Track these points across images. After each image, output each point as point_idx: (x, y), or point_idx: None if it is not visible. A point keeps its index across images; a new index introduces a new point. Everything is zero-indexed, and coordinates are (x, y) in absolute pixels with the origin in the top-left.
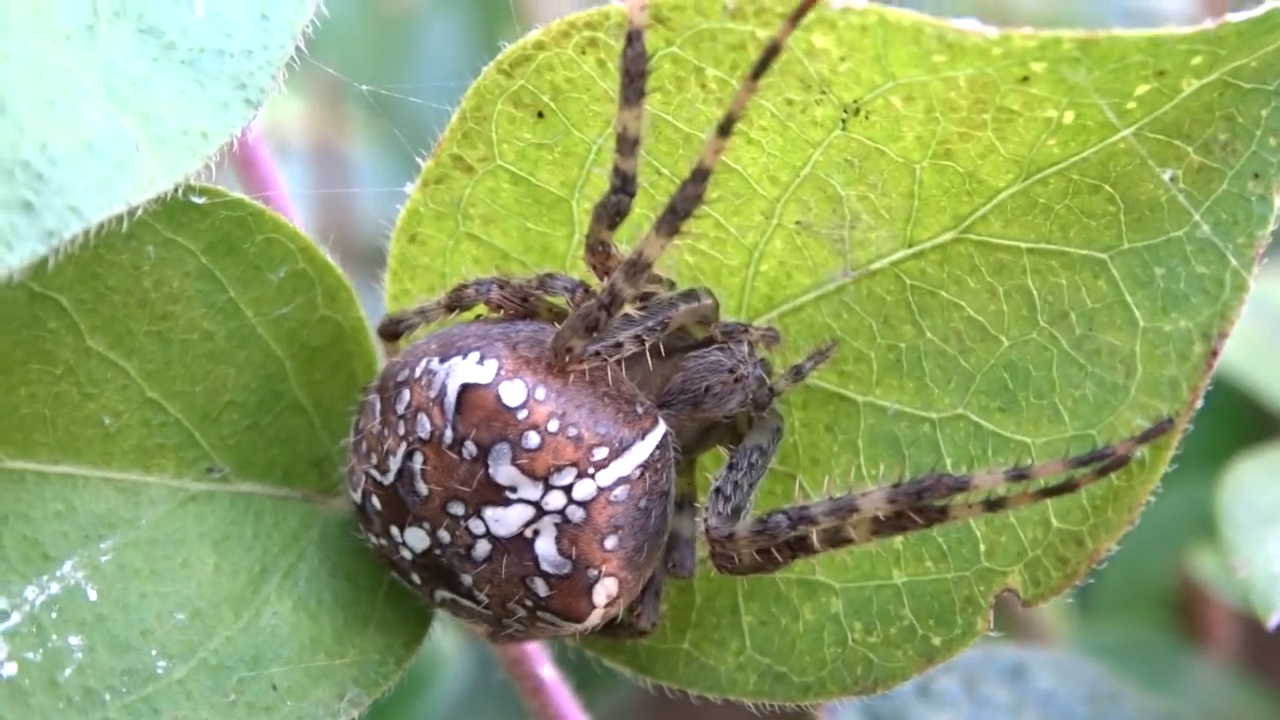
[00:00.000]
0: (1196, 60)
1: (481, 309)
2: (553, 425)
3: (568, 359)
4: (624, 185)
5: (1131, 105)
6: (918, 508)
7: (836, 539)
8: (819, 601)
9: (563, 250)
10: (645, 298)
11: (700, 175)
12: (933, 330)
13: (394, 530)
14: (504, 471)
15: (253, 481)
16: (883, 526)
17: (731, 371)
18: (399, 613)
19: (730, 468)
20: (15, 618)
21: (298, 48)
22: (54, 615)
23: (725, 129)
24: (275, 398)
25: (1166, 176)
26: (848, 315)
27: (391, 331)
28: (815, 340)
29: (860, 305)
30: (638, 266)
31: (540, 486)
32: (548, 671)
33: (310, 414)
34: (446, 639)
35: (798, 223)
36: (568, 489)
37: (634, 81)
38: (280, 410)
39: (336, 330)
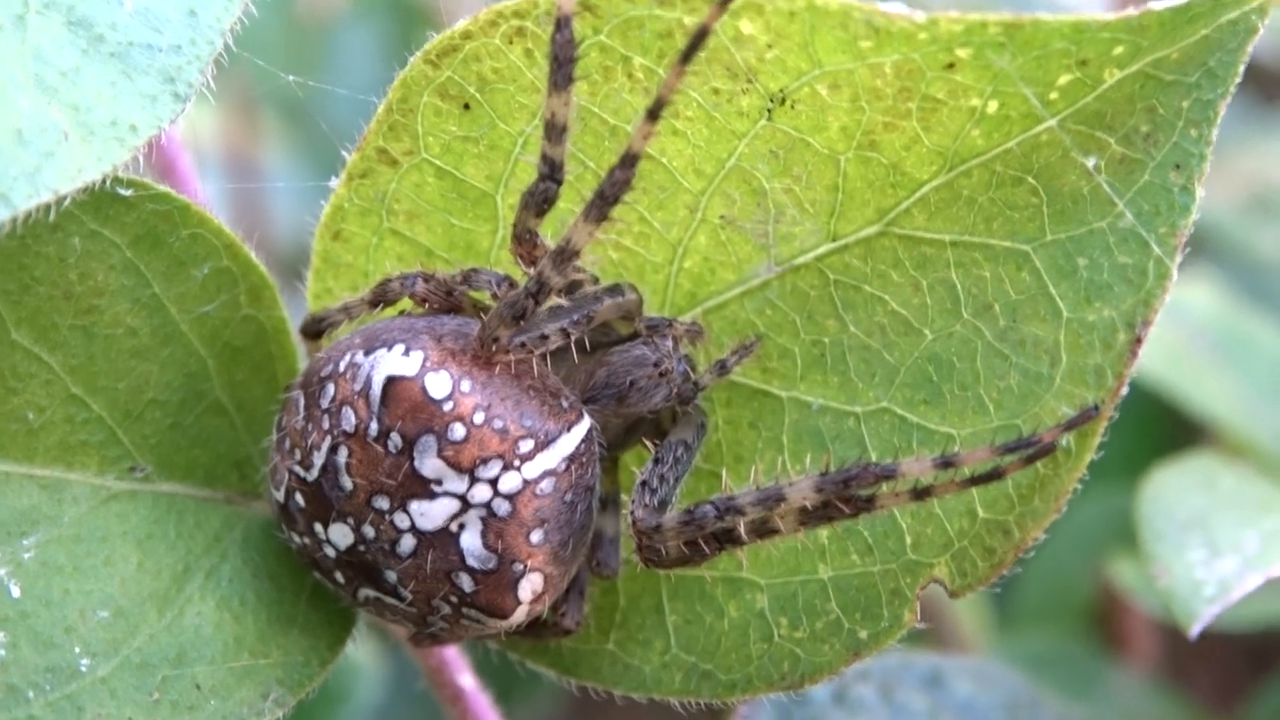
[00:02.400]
0: (1119, 50)
1: (404, 305)
2: (478, 417)
3: (494, 349)
4: (551, 172)
5: (1054, 96)
6: (845, 497)
7: (764, 530)
8: (744, 598)
9: (486, 247)
10: (570, 291)
11: (629, 160)
12: (856, 324)
13: (318, 527)
14: (429, 464)
15: (175, 482)
16: (810, 517)
17: (656, 366)
18: (322, 615)
19: (656, 461)
20: None
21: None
22: None
23: (654, 113)
24: (197, 397)
25: (1090, 164)
26: (771, 311)
27: (314, 330)
28: (739, 337)
29: (784, 301)
30: (566, 254)
31: (466, 479)
32: (467, 680)
33: (232, 415)
34: (364, 649)
35: (722, 217)
36: (493, 482)
37: (562, 67)
38: (202, 410)
39: (259, 330)
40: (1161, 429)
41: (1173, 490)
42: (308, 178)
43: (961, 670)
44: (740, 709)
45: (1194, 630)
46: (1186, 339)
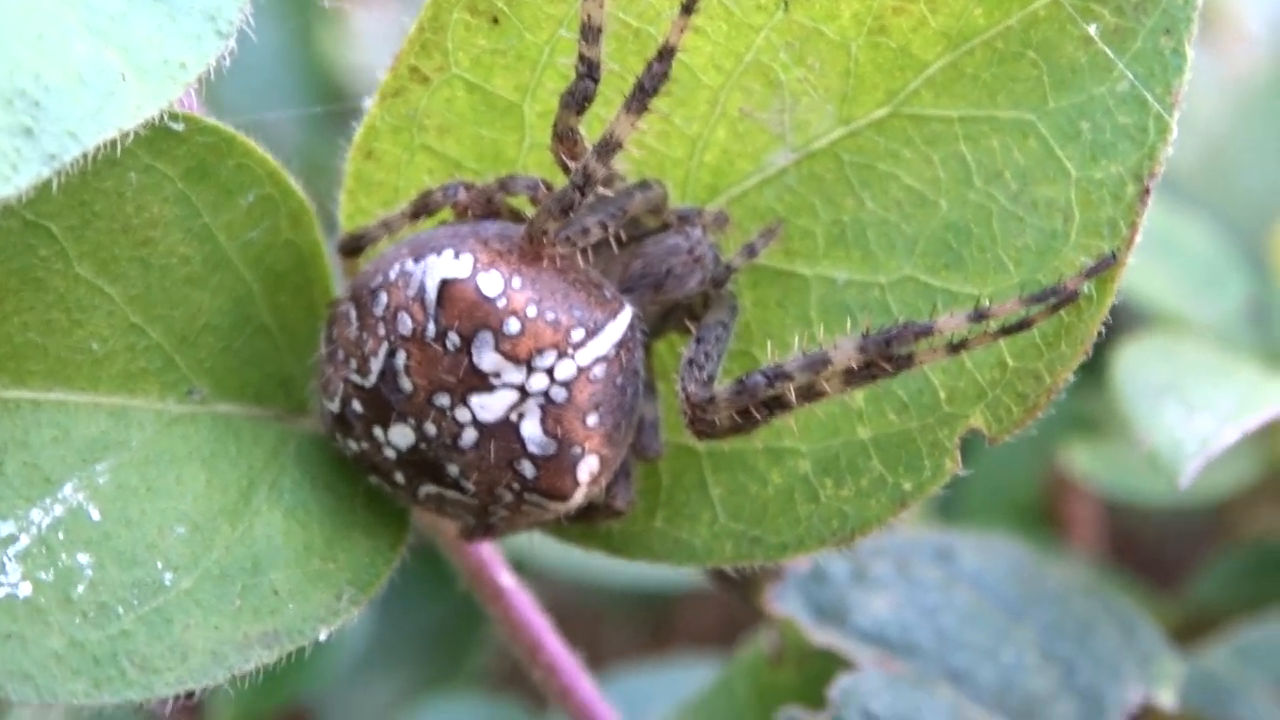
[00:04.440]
0: None
1: (442, 217)
2: (531, 311)
3: (543, 242)
4: (589, 71)
5: None
6: (886, 355)
7: (811, 393)
8: (786, 465)
9: (514, 156)
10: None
11: (666, 54)
12: (874, 201)
13: (377, 431)
14: (488, 359)
15: (229, 402)
16: (854, 377)
17: (690, 252)
18: (379, 517)
19: (698, 341)
20: (24, 540)
21: None
22: (61, 536)
23: (688, 7)
24: (245, 321)
25: (1093, 30)
26: (791, 196)
27: (353, 247)
28: (761, 223)
29: (802, 185)
30: (609, 146)
31: (524, 370)
32: (507, 579)
33: (276, 337)
34: None
35: (740, 110)
36: (550, 371)
37: None
38: (250, 333)
39: (299, 254)
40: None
41: (1143, 362)
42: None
43: (969, 545)
44: (769, 589)
45: (1183, 482)
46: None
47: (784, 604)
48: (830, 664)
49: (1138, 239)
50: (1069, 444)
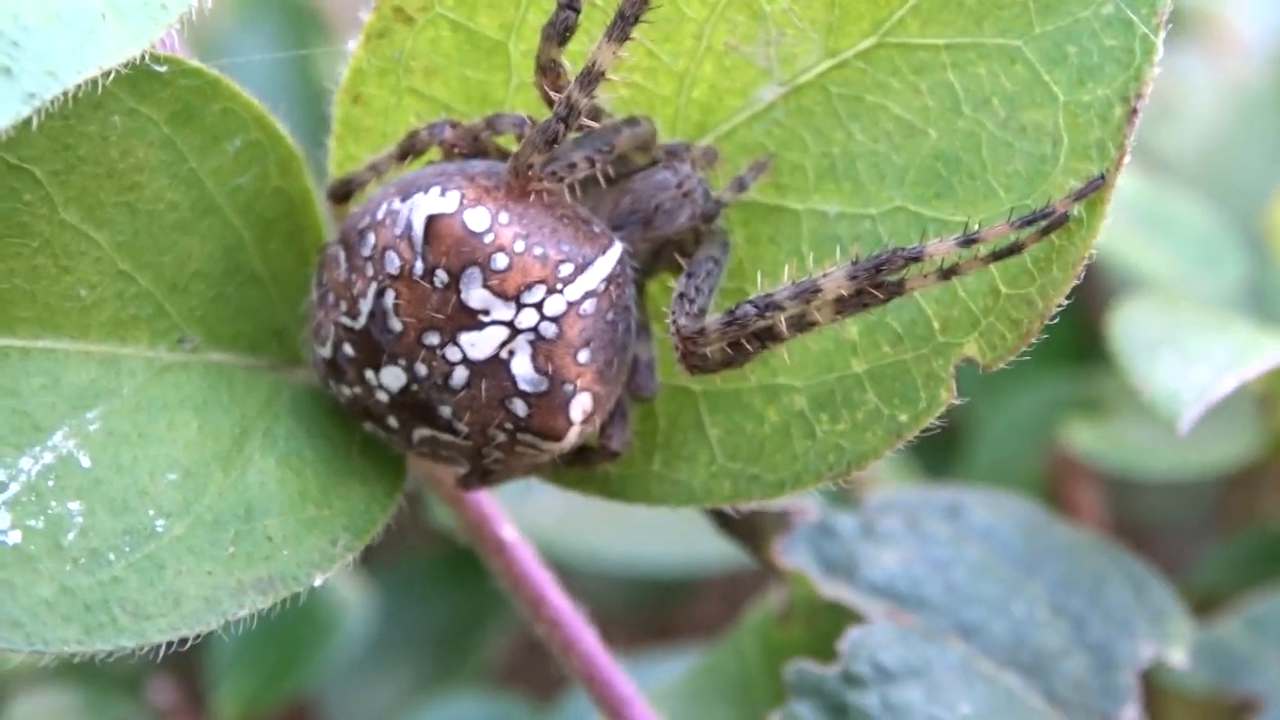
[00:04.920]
0: None
1: (430, 158)
2: (519, 246)
3: (528, 175)
4: (570, 2)
5: None
6: (877, 283)
7: (802, 323)
8: (781, 402)
9: (501, 97)
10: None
11: None
12: (863, 133)
13: (369, 374)
14: (476, 295)
15: (221, 351)
16: (845, 305)
17: (679, 186)
18: (376, 466)
19: (689, 275)
20: (14, 488)
21: None
22: (51, 483)
23: None
24: (236, 269)
25: None
26: (779, 130)
27: (343, 192)
28: (751, 159)
29: (791, 119)
30: (591, 76)
31: (512, 306)
32: (509, 531)
33: (268, 285)
34: (351, 583)
35: (726, 43)
36: (538, 306)
37: None
38: (242, 281)
39: (288, 201)
40: (1085, 335)
41: (1140, 318)
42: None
43: (978, 501)
44: (778, 542)
45: (1183, 426)
46: (1115, 214)
47: (792, 557)
48: (839, 621)
49: (1126, 160)
50: (1070, 425)
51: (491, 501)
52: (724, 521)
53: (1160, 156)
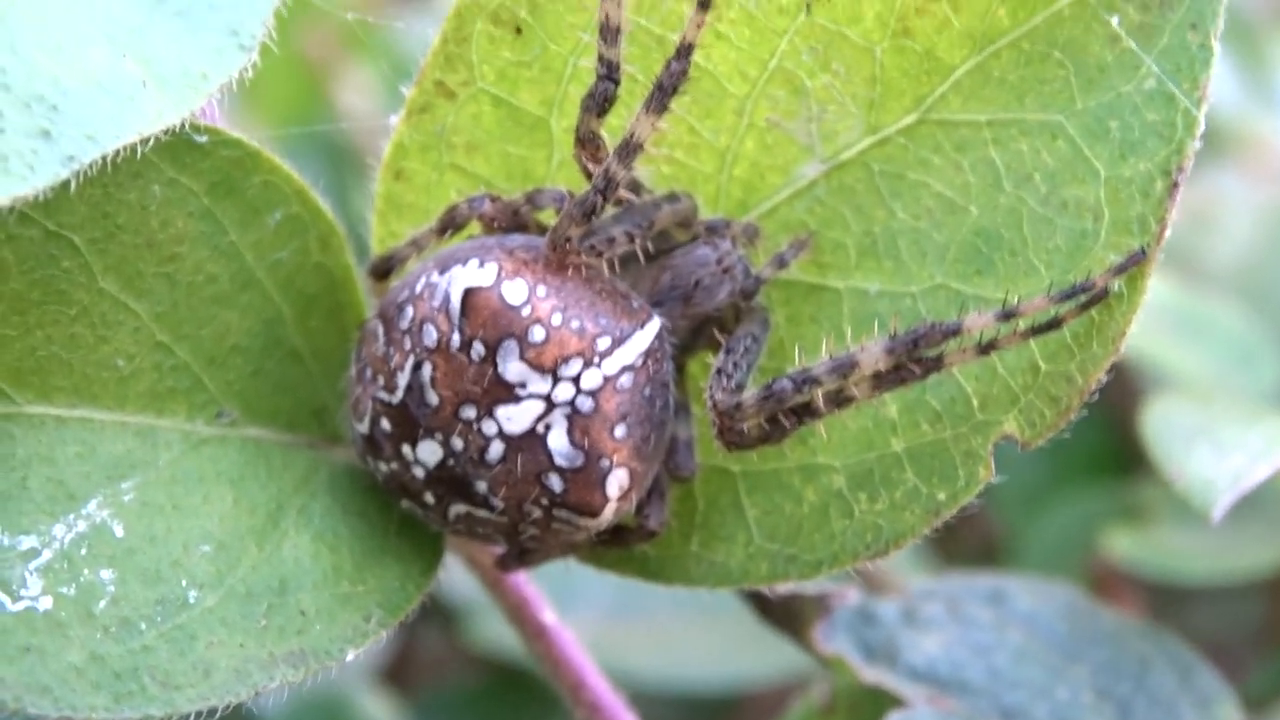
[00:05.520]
0: None
1: (471, 232)
2: (556, 319)
3: (566, 248)
4: (609, 73)
5: None
6: (915, 357)
7: (840, 399)
8: (820, 482)
9: (543, 174)
10: (629, 203)
11: (684, 51)
12: (904, 210)
13: (405, 449)
14: (513, 368)
15: (259, 426)
16: (883, 381)
17: (719, 263)
18: (413, 544)
19: (727, 351)
20: (46, 554)
21: None
22: (84, 551)
23: (705, 3)
24: (276, 344)
25: (1114, 21)
26: (821, 209)
27: (384, 269)
28: (792, 237)
29: (832, 197)
30: (630, 147)
31: (549, 379)
32: (549, 616)
33: (308, 362)
34: (382, 709)
35: (767, 119)
36: (575, 379)
37: None
38: (281, 357)
39: (329, 278)
40: (1126, 442)
41: (1172, 413)
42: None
43: (1021, 587)
44: (818, 632)
45: (1216, 514)
46: (1149, 320)
47: (832, 643)
48: (881, 707)
49: (1167, 234)
50: (1110, 533)
51: (531, 585)
52: (763, 608)
53: (1198, 268)
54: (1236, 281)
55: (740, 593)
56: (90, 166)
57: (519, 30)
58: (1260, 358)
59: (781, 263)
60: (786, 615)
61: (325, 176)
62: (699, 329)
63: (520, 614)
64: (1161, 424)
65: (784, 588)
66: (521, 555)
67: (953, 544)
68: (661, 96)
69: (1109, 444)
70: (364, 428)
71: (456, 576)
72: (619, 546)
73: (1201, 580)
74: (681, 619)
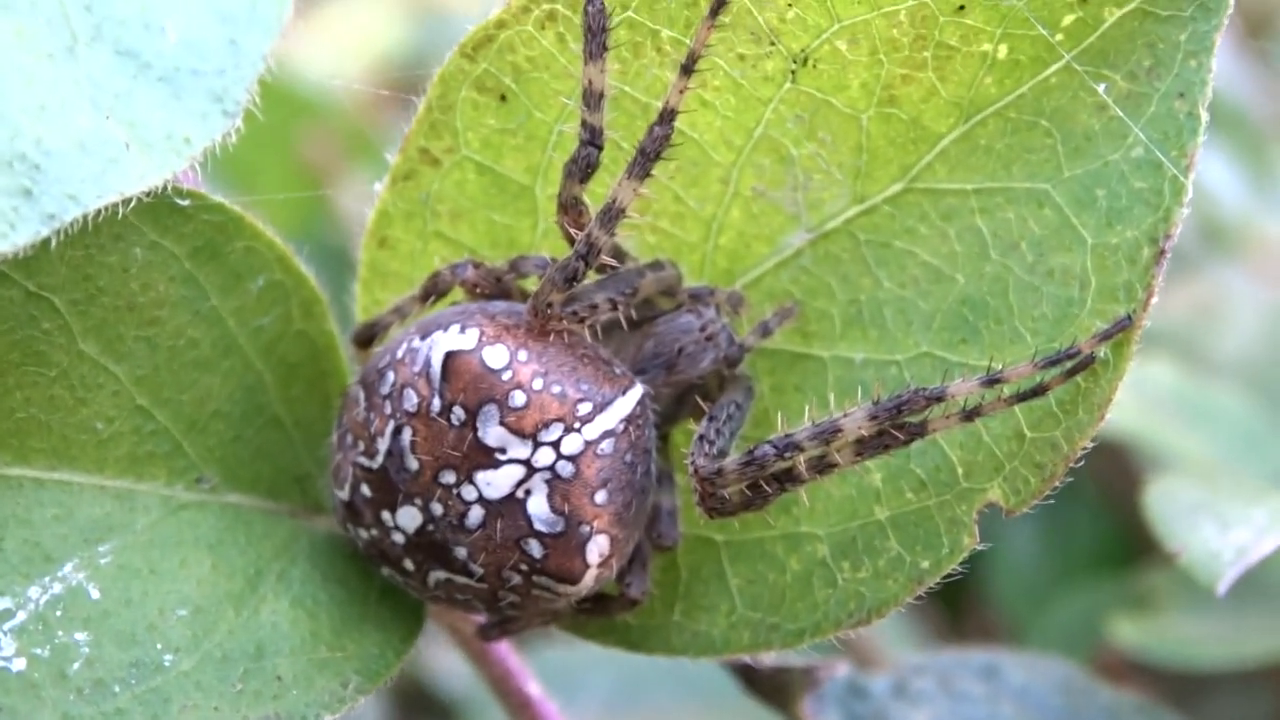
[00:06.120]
0: None
1: (454, 299)
2: (537, 384)
3: (548, 313)
4: (592, 138)
5: (1060, 37)
6: (898, 424)
7: (823, 465)
8: (804, 551)
9: (528, 242)
10: (613, 269)
11: (666, 116)
12: (890, 279)
13: (385, 515)
14: (493, 433)
15: (240, 493)
16: (866, 447)
17: (702, 330)
18: (393, 612)
19: (710, 419)
20: (21, 616)
21: None
22: (59, 613)
23: (687, 69)
24: (257, 411)
25: (1102, 90)
26: (807, 278)
27: (367, 336)
28: (777, 306)
29: (818, 266)
30: (612, 213)
31: (529, 444)
32: (534, 688)
33: (290, 430)
34: None
35: (753, 188)
36: (555, 444)
37: (596, 36)
38: (262, 424)
39: (311, 346)
40: (1129, 536)
41: (1174, 489)
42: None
43: (1015, 662)
44: (806, 705)
45: (1221, 589)
46: (1153, 404)
47: (821, 716)
48: None
49: (1153, 301)
50: (1115, 621)
51: (515, 657)
52: (750, 680)
53: (1205, 359)
54: (1242, 374)
55: (727, 665)
56: (71, 226)
57: (504, 98)
58: (1267, 444)
59: (766, 330)
60: (774, 688)
61: (326, 274)
62: (683, 397)
63: (504, 686)
64: (1164, 500)
65: (770, 660)
66: (503, 624)
67: (957, 637)
68: (644, 161)
69: (1114, 536)
70: (344, 494)
71: (453, 669)
72: (601, 615)
73: (1209, 667)
74: (681, 707)
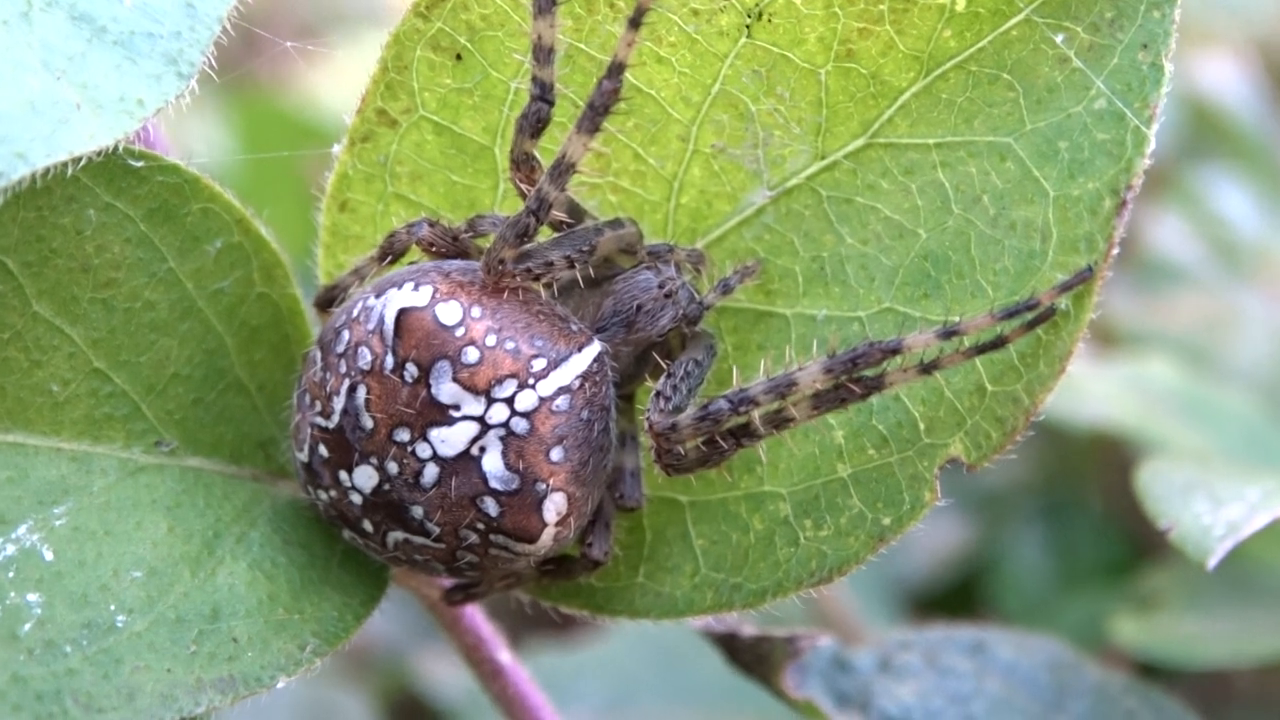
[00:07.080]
0: None
1: (412, 258)
2: (490, 340)
3: (501, 270)
4: (543, 94)
5: None
6: (854, 377)
7: (779, 420)
8: (767, 510)
9: (488, 202)
10: (569, 227)
11: (616, 70)
12: (852, 235)
13: (342, 475)
14: (446, 389)
15: (201, 457)
16: (822, 401)
17: (661, 287)
18: (355, 576)
19: (668, 375)
20: None
21: None
22: (11, 575)
23: (636, 21)
24: (218, 375)
25: (1063, 42)
26: (769, 236)
27: (328, 299)
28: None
29: (781, 224)
30: (562, 167)
31: (483, 401)
32: (505, 656)
33: (253, 395)
34: None
35: (713, 146)
36: (510, 401)
37: None
38: (224, 388)
39: (274, 310)
40: (1133, 538)
41: (1166, 469)
42: None
43: (1003, 639)
44: (788, 676)
45: (1211, 563)
46: (1153, 402)
47: (804, 689)
48: None
49: (1114, 252)
50: (1116, 621)
51: (488, 624)
52: (732, 651)
53: (1216, 368)
54: (1252, 388)
55: (709, 636)
56: (19, 185)
57: (459, 57)
58: (1271, 441)
59: (726, 288)
60: (755, 659)
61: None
62: (644, 356)
63: (476, 654)
64: (1156, 479)
65: (751, 630)
66: (467, 588)
67: None
68: (594, 116)
69: (1118, 544)
70: (304, 455)
71: (447, 678)
72: (564, 578)
73: (1213, 666)
74: (674, 711)
